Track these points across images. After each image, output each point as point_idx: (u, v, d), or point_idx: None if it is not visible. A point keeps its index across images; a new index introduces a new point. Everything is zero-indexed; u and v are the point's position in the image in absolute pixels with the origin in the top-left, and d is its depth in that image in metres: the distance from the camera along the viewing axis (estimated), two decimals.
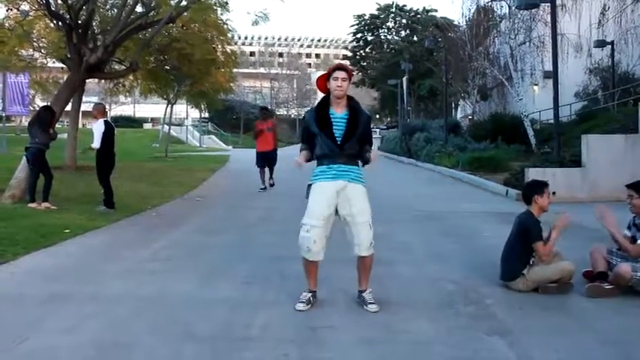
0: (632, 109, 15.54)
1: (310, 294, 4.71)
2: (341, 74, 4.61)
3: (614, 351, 3.87)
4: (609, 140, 12.06)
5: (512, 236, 5.32)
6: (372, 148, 4.80)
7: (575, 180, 11.44)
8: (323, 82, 4.73)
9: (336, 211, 4.61)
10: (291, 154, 4.79)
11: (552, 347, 3.89)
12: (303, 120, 4.95)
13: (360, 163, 4.74)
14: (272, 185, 13.45)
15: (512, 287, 5.18)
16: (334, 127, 4.60)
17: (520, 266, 5.13)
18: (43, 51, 17.70)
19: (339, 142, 4.58)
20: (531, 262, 5.13)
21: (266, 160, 13.39)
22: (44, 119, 9.97)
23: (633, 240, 5.15)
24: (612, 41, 20.42)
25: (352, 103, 4.72)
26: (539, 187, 5.34)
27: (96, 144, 9.58)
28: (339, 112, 4.65)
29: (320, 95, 4.92)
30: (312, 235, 4.51)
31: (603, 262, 5.17)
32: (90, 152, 11.47)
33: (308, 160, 4.76)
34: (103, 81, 22.43)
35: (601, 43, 20.70)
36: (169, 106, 30.19)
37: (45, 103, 11.61)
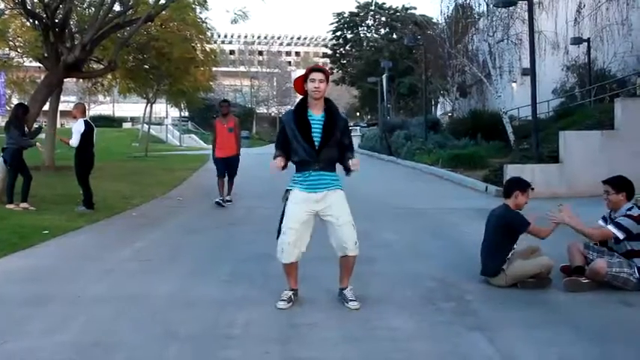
0: (608, 105, 15.73)
1: (291, 292, 4.73)
2: (318, 76, 4.58)
3: (590, 343, 3.94)
4: (586, 136, 12.21)
5: (490, 232, 5.38)
6: (354, 155, 4.71)
7: (554, 176, 11.57)
8: (300, 83, 4.69)
9: (318, 215, 4.62)
10: (271, 153, 4.77)
11: (531, 341, 3.95)
12: (280, 122, 4.89)
13: (337, 167, 4.71)
14: (229, 201, 10.84)
15: (492, 283, 5.25)
16: (312, 131, 4.58)
17: (499, 262, 5.20)
18: (19, 50, 17.50)
19: (316, 146, 4.57)
20: (510, 256, 5.21)
21: (226, 167, 10.74)
22: (20, 117, 9.86)
23: None
24: (588, 39, 20.66)
25: (329, 105, 4.70)
26: (524, 185, 5.42)
27: (74, 142, 9.50)
28: (316, 114, 4.64)
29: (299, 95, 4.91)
30: (287, 238, 4.53)
31: (580, 257, 5.25)
32: (63, 147, 11.36)
33: (284, 167, 4.61)
34: (81, 80, 22.25)
35: (577, 41, 20.94)
36: (149, 105, 30.00)
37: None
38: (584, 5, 19.28)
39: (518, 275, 5.15)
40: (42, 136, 12.62)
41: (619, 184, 5.31)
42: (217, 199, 10.65)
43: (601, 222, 5.43)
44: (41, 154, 14.18)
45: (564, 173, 11.64)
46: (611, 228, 5.11)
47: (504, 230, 5.25)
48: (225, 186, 10.80)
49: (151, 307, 4.71)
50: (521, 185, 5.42)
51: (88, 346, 3.86)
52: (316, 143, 4.57)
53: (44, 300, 4.84)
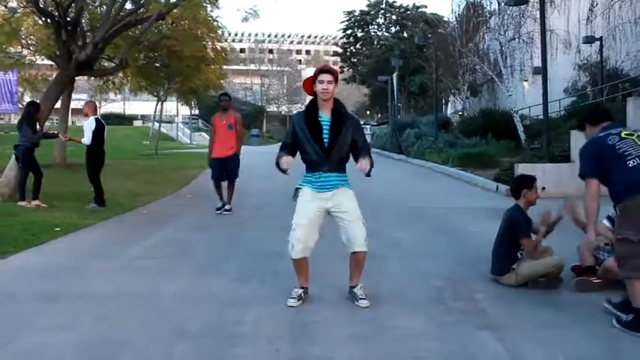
0: (620, 104, 15.63)
1: (301, 290, 4.73)
2: (326, 77, 4.57)
3: (601, 343, 3.92)
4: None
5: (500, 231, 5.37)
6: (370, 156, 4.66)
7: (565, 175, 11.48)
8: (309, 84, 4.70)
9: (328, 213, 4.63)
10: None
11: (541, 340, 3.94)
12: (290, 122, 4.89)
13: (346, 169, 4.70)
14: (228, 210, 9.55)
15: (502, 282, 5.23)
16: (323, 131, 4.59)
17: (509, 261, 5.18)
18: (31, 48, 17.63)
19: (326, 147, 4.57)
20: (519, 256, 5.19)
21: (223, 169, 9.54)
22: (32, 115, 9.92)
23: None
24: (601, 37, 20.51)
25: (337, 106, 4.69)
26: (528, 181, 5.41)
27: (86, 140, 9.56)
28: (326, 116, 4.64)
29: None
30: (297, 234, 4.54)
31: (591, 257, 5.21)
32: (74, 144, 11.41)
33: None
34: (92, 78, 22.36)
35: (590, 39, 20.79)
36: (159, 103, 30.10)
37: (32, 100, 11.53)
38: (597, 4, 19.15)
39: (528, 274, 5.12)
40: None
41: None
42: (217, 208, 9.56)
43: (605, 222, 5.39)
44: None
45: (576, 172, 11.41)
46: None
47: (511, 231, 5.24)
48: (224, 191, 9.64)
49: (160, 304, 4.73)
50: (526, 182, 5.40)
51: (97, 344, 3.87)
52: (326, 145, 4.58)
53: (54, 297, 4.87)
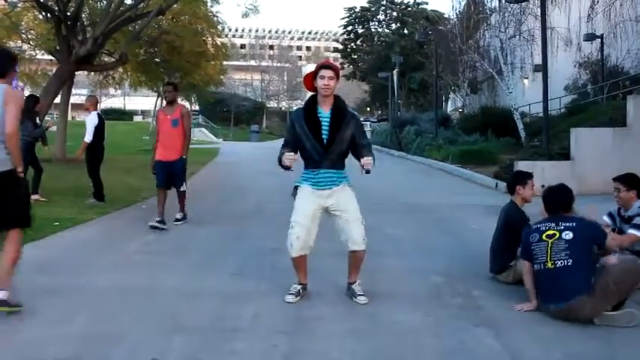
0: (620, 102, 15.63)
1: (300, 286, 4.74)
2: (327, 73, 4.55)
3: (597, 341, 3.93)
4: (598, 134, 12.13)
5: (498, 229, 5.38)
6: (371, 154, 4.59)
7: (564, 173, 11.48)
8: (310, 80, 4.68)
9: (327, 211, 4.64)
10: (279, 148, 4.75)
11: (538, 337, 3.95)
12: (289, 118, 4.86)
13: (349, 165, 4.68)
14: (179, 220, 8.17)
15: (500, 279, 5.24)
16: (322, 128, 4.57)
17: (507, 259, 5.18)
18: (31, 43, 17.64)
19: (325, 143, 4.56)
20: (518, 254, 5.19)
21: (167, 175, 7.99)
22: (31, 109, 9.89)
23: (620, 231, 5.21)
24: (602, 35, 20.49)
25: (337, 103, 4.66)
26: (522, 178, 5.41)
27: (88, 137, 9.54)
28: (325, 112, 4.62)
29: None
30: (295, 232, 4.54)
31: None
32: (70, 137, 11.41)
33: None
34: (92, 73, 22.37)
35: (590, 37, 20.77)
36: (159, 98, 30.09)
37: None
38: (598, 1, 19.11)
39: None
40: (54, 128, 12.66)
41: (630, 181, 5.27)
42: (153, 222, 7.72)
43: (606, 218, 5.39)
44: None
45: (575, 170, 11.57)
46: (633, 232, 5.00)
47: (508, 228, 5.23)
48: (166, 200, 8.07)
49: (159, 299, 4.73)
50: (520, 179, 5.40)
51: (95, 338, 3.88)
52: (325, 140, 4.56)
53: (53, 291, 4.87)
